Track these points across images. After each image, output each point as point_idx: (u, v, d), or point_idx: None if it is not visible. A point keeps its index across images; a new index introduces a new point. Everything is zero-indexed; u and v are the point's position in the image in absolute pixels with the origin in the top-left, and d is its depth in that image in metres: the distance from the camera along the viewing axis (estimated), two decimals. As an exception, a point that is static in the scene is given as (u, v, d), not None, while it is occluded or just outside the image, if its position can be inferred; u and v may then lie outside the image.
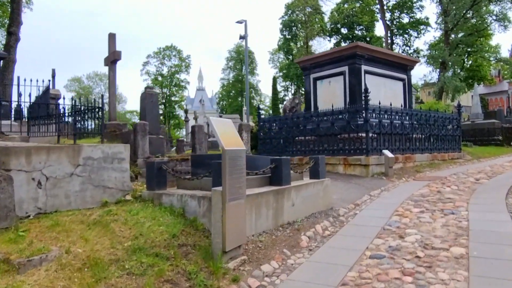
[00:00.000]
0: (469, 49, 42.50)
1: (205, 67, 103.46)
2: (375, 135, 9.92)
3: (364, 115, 9.59)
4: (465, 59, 44.68)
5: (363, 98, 9.68)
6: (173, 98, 70.32)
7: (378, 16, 47.91)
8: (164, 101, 68.76)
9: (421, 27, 45.19)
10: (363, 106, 9.62)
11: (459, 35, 40.39)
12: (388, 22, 46.06)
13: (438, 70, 40.92)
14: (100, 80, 73.44)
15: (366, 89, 9.62)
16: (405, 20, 46.21)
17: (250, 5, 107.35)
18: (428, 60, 42.74)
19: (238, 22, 13.41)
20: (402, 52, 48.52)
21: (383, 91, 12.25)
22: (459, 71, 44.44)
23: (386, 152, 9.45)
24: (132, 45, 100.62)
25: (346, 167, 9.95)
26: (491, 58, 46.24)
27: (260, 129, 12.75)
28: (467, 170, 10.07)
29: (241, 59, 67.23)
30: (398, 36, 47.13)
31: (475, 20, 39.69)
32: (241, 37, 13.46)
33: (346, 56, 11.53)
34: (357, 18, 49.53)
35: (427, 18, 44.68)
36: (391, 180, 8.98)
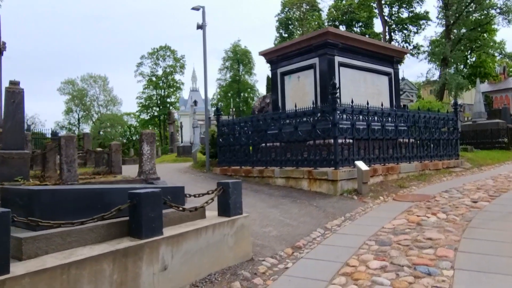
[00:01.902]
0: (472, 45, 40.36)
1: (199, 67, 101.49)
2: (349, 141, 7.93)
3: (331, 117, 7.58)
4: (468, 55, 42.53)
5: (329, 96, 7.67)
6: (169, 100, 68.69)
7: (377, 11, 45.85)
8: (158, 102, 67.20)
9: (421, 22, 42.92)
10: (331, 105, 7.62)
11: (462, 30, 38.22)
12: (386, 18, 44.01)
13: (440, 67, 38.79)
14: (94, 82, 71.77)
15: (334, 85, 7.61)
16: (404, 15, 44.04)
17: (245, 2, 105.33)
18: (429, 57, 40.52)
19: (193, 8, 11.45)
20: (405, 56, 46.37)
21: (363, 88, 10.24)
22: (462, 67, 42.29)
23: (359, 164, 7.43)
24: (126, 46, 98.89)
25: (311, 182, 7.94)
26: (496, 54, 43.94)
27: (220, 135, 10.78)
28: (463, 184, 8.01)
29: (238, 59, 65.34)
30: (397, 32, 44.94)
31: (478, 14, 37.54)
32: (199, 27, 11.50)
33: (316, 45, 9.52)
34: (354, 14, 47.50)
35: (427, 13, 42.43)
36: (363, 200, 6.96)
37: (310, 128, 8.04)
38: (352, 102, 8.02)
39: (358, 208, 6.46)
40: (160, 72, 67.18)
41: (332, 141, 7.66)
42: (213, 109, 59.34)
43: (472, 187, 7.60)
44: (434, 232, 4.68)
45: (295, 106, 8.56)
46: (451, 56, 36.52)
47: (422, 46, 43.12)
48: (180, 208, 3.49)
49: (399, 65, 11.38)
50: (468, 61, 42.70)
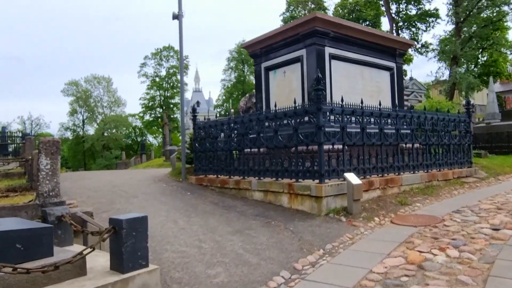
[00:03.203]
0: (483, 43, 38.59)
1: (202, 68, 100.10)
2: (339, 147, 6.52)
3: (315, 118, 6.18)
4: (479, 54, 40.71)
5: (312, 93, 6.28)
6: (174, 101, 67.83)
7: (384, 8, 44.25)
8: (162, 103, 66.29)
9: (430, 19, 41.20)
10: (315, 104, 6.22)
11: (472, 28, 36.44)
12: (393, 15, 42.38)
13: (450, 66, 37.08)
14: (98, 83, 70.99)
15: (319, 79, 6.21)
16: (413, 12, 42.31)
17: (250, 2, 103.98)
18: (439, 56, 38.79)
19: (168, -5, 10.12)
20: (409, 48, 44.75)
21: (360, 84, 8.83)
22: (472, 67, 40.50)
23: (350, 177, 6.01)
24: (130, 46, 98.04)
25: (292, 198, 6.54)
26: (508, 52, 41.99)
27: (196, 139, 9.42)
28: (478, 202, 6.53)
29: (243, 60, 64.12)
30: (404, 30, 43.23)
31: (489, 12, 35.80)
32: (175, 17, 10.17)
33: (303, 34, 8.12)
34: (361, 13, 45.94)
35: (437, 10, 40.70)
36: (353, 223, 5.54)
37: (291, 132, 6.64)
38: (342, 100, 6.59)
39: (344, 235, 5.05)
40: (163, 72, 66.36)
41: (316, 147, 6.25)
42: (212, 109, 57.99)
43: (490, 206, 6.12)
44: (442, 285, 3.26)
45: (275, 106, 7.18)
46: (461, 55, 34.86)
47: (431, 44, 41.39)
48: (21, 269, 2.13)
49: (402, 59, 9.93)
50: (479, 60, 40.92)
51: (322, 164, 6.08)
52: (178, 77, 66.39)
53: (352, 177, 6.02)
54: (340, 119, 6.51)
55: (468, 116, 9.68)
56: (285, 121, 6.85)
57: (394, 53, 9.55)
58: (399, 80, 9.74)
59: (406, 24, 42.47)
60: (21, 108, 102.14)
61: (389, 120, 7.39)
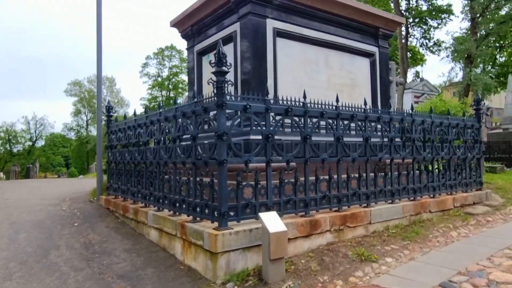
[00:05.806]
0: (501, 41, 35.66)
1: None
2: (260, 166, 4.07)
3: (216, 121, 3.77)
4: (497, 53, 37.68)
5: (214, 82, 3.87)
6: (177, 101, 66.03)
7: (393, 5, 41.43)
8: (163, 104, 64.76)
9: (443, 15, 38.21)
10: (216, 99, 3.81)
11: (490, 25, 33.46)
12: (403, 11, 39.54)
13: (464, 66, 34.17)
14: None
15: (221, 57, 3.79)
16: (424, 8, 39.37)
17: None
18: (453, 56, 35.88)
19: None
20: (420, 47, 41.87)
21: (324, 75, 6.35)
22: (489, 67, 37.48)
23: (265, 218, 3.55)
24: (133, 45, 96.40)
25: (185, 247, 4.13)
26: (529, 52, 38.72)
27: (109, 147, 7.09)
28: (488, 259, 3.97)
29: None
30: (415, 28, 40.31)
31: (508, 8, 32.80)
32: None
33: (237, 1, 5.69)
34: (369, 10, 43.03)
35: (450, 5, 37.70)
36: (256, 309, 3.09)
37: (190, 141, 4.23)
38: (267, 93, 4.15)
39: None
40: (166, 72, 65.14)
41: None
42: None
43: (508, 273, 3.56)
44: None
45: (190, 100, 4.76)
46: (476, 54, 31.92)
47: (443, 42, 38.46)
48: None
49: (388, 42, 7.40)
50: (497, 59, 37.87)
51: (223, 196, 3.65)
52: (181, 77, 64.82)
53: (270, 219, 3.56)
54: (264, 121, 4.07)
55: (478, 120, 7.10)
56: (176, 127, 4.44)
57: (376, 33, 7.05)
58: (383, 70, 7.20)
59: (416, 21, 39.56)
60: (27, 108, 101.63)
61: (353, 124, 4.90)
